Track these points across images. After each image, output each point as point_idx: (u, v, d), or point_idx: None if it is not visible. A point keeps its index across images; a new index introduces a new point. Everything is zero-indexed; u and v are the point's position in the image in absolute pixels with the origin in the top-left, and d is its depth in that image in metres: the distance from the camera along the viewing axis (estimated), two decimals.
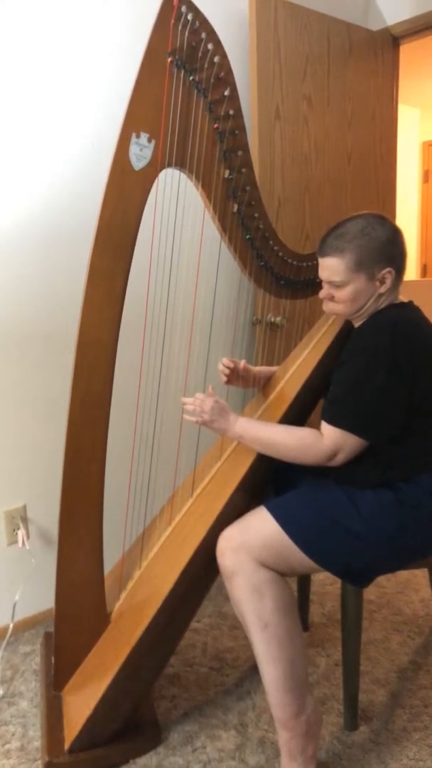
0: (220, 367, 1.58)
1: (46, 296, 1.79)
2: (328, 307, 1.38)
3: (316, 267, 1.40)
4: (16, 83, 1.65)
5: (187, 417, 1.39)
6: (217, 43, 1.29)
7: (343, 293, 1.32)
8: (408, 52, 2.66)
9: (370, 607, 1.98)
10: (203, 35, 1.27)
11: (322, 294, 1.38)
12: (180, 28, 1.25)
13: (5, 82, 1.63)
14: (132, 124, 1.24)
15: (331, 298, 1.35)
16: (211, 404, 1.36)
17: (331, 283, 1.33)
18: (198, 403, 1.37)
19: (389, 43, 2.50)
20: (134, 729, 1.39)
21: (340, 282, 1.31)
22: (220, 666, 1.71)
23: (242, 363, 1.60)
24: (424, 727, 1.46)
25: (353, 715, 1.46)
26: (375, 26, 2.49)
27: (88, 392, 1.31)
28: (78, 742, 1.29)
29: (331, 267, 1.31)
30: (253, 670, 1.65)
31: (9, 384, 1.77)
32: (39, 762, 1.37)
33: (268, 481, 1.53)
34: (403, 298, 1.39)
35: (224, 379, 1.58)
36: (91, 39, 1.77)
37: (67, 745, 1.30)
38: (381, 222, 1.31)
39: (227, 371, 1.57)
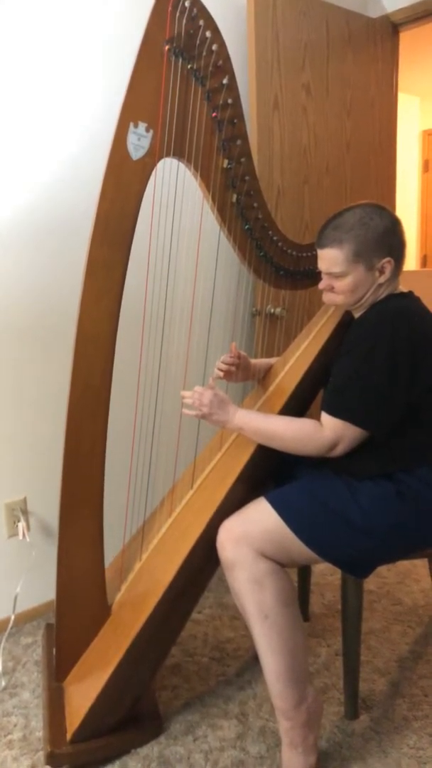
0: (219, 364, 1.55)
1: (46, 288, 1.78)
2: (327, 297, 1.38)
3: (315, 257, 1.39)
4: (12, 74, 1.63)
5: (186, 411, 1.39)
6: (215, 31, 1.27)
7: (343, 284, 1.32)
8: (408, 39, 2.63)
9: (370, 597, 1.99)
10: (201, 23, 1.26)
11: (321, 285, 1.37)
12: (177, 15, 1.23)
13: (1, 73, 1.61)
14: (130, 113, 1.22)
15: (331, 289, 1.35)
16: (209, 397, 1.36)
17: (331, 274, 1.33)
18: (197, 397, 1.36)
19: (389, 30, 2.47)
20: (136, 719, 1.39)
21: (339, 273, 1.31)
22: (221, 656, 1.71)
23: (242, 353, 1.58)
24: (424, 716, 1.47)
25: (354, 705, 1.47)
26: (374, 13, 2.46)
27: (88, 385, 1.30)
28: (80, 732, 1.30)
29: (329, 258, 1.30)
30: (254, 660, 1.66)
31: (8, 376, 1.76)
32: (41, 752, 1.38)
33: (268, 473, 1.53)
34: (403, 288, 1.38)
35: (220, 374, 1.56)
36: (87, 28, 1.75)
37: (69, 736, 1.30)
38: (379, 212, 1.30)
39: (231, 369, 1.54)
